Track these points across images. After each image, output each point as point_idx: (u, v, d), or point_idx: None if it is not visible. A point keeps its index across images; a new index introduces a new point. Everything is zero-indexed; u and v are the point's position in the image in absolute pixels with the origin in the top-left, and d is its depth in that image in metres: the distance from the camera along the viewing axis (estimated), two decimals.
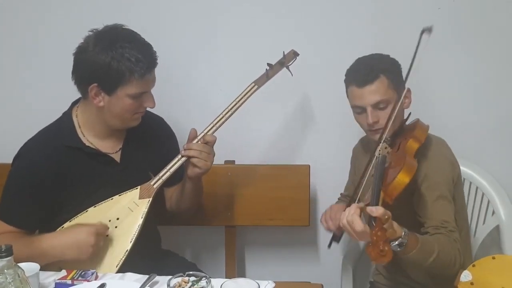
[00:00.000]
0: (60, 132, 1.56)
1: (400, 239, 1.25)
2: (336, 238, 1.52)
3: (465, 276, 1.29)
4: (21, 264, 1.16)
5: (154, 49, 1.51)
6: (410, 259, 1.30)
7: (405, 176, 1.29)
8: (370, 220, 1.22)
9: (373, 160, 1.44)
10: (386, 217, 1.17)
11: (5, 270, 1.08)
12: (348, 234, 1.29)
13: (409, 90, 1.53)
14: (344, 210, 1.30)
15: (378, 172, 1.35)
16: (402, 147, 1.42)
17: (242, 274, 2.09)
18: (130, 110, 1.51)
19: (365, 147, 1.73)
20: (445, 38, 1.87)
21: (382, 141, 1.43)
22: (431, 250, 1.31)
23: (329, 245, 1.52)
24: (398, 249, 1.25)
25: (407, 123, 1.55)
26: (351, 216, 1.24)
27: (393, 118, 1.44)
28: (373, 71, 1.49)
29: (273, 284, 1.34)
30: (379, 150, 1.43)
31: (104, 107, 1.50)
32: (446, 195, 1.44)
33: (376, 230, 1.16)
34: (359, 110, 1.54)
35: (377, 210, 1.19)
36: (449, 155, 1.53)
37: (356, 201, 1.42)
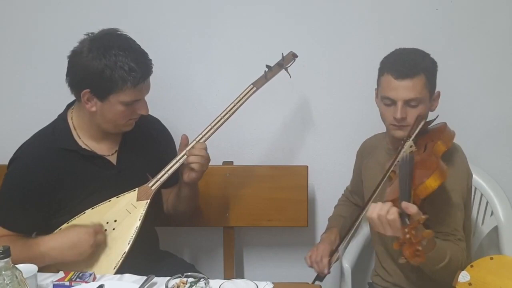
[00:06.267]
0: (55, 135, 1.55)
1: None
2: (320, 278, 1.54)
3: (463, 276, 1.30)
4: (19, 266, 1.16)
5: (150, 52, 1.49)
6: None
7: (436, 180, 1.28)
8: (402, 217, 1.23)
9: (398, 158, 1.42)
10: (423, 216, 1.18)
11: (3, 272, 1.08)
12: (373, 226, 1.29)
13: (439, 93, 1.53)
14: (333, 250, 1.39)
15: (408, 170, 1.34)
16: (429, 148, 1.40)
17: (240, 275, 2.09)
18: (122, 117, 1.50)
19: (374, 147, 1.70)
20: (442, 39, 1.87)
21: (411, 139, 1.42)
22: (444, 256, 1.32)
23: (313, 282, 1.52)
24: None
25: (432, 125, 1.54)
26: (386, 207, 1.24)
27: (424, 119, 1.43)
28: (416, 67, 1.44)
29: (272, 285, 1.34)
30: (405, 148, 1.42)
31: (97, 112, 1.49)
32: (459, 203, 1.44)
33: (410, 228, 1.18)
34: (388, 102, 1.48)
35: (412, 208, 1.20)
36: (466, 163, 1.51)
37: (371, 200, 1.44)
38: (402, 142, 1.47)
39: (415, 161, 1.38)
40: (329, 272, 1.56)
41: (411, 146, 1.43)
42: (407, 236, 1.17)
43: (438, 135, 1.44)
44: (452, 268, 1.33)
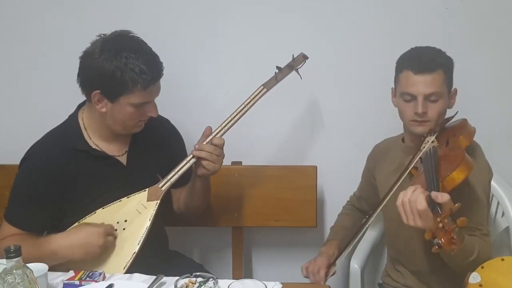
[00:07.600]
0: (66, 135, 1.57)
1: None
2: None
3: (474, 278, 1.29)
4: (30, 265, 1.17)
5: (157, 52, 1.50)
6: (451, 255, 1.28)
7: (463, 172, 1.28)
8: (433, 208, 1.22)
9: (421, 153, 1.41)
10: (455, 205, 1.17)
11: (14, 271, 1.09)
12: (402, 214, 1.28)
13: (456, 90, 1.53)
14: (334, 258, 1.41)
15: (433, 164, 1.34)
16: (452, 143, 1.40)
17: (249, 275, 2.09)
18: (132, 118, 1.51)
19: (387, 150, 1.69)
20: (452, 38, 1.86)
21: (435, 134, 1.42)
22: (472, 250, 1.31)
23: None
24: None
25: (451, 121, 1.54)
26: (416, 195, 1.23)
27: (445, 112, 1.43)
28: (434, 62, 1.46)
29: (280, 285, 1.34)
30: (427, 144, 1.42)
31: (107, 113, 1.50)
32: (482, 198, 1.43)
33: (443, 217, 1.17)
34: (408, 98, 1.48)
35: (442, 197, 1.20)
36: (486, 159, 1.51)
37: (388, 197, 1.42)
38: (423, 138, 1.46)
39: (438, 156, 1.38)
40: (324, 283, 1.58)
41: (432, 142, 1.42)
42: (440, 225, 1.17)
43: (460, 130, 1.45)
44: (481, 263, 1.32)
